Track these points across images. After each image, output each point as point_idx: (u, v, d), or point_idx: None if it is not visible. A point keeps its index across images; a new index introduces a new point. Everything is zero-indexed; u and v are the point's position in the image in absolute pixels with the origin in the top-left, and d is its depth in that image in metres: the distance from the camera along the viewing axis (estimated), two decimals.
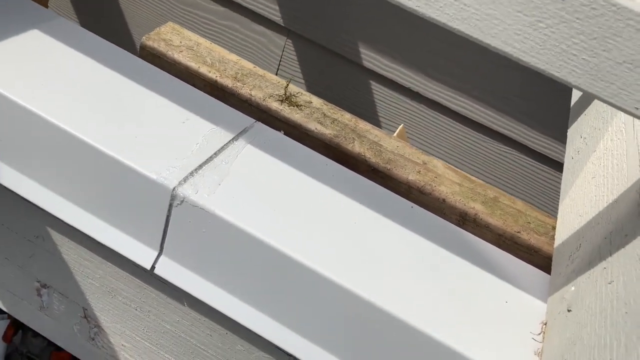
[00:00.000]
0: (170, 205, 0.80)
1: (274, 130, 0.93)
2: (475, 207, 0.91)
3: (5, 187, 0.92)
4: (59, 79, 0.88)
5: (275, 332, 0.83)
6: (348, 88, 1.74)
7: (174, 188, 0.79)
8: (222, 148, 0.86)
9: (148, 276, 0.92)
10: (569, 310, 0.73)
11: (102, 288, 0.97)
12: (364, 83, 1.73)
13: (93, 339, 1.05)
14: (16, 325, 3.96)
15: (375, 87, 1.73)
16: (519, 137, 1.58)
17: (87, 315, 1.02)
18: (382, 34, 1.62)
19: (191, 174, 0.81)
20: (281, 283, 0.79)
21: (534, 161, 1.62)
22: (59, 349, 3.84)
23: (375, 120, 1.76)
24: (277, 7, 1.72)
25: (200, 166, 0.82)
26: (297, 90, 0.99)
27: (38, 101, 0.82)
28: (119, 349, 1.03)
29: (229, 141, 0.88)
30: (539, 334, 0.79)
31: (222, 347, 0.93)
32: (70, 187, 0.85)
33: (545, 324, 0.79)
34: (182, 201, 0.79)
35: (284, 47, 1.76)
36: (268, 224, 0.79)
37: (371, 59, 1.68)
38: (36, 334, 3.81)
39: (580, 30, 0.50)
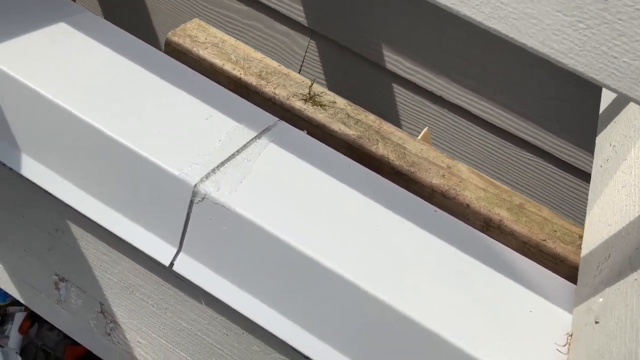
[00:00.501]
0: (191, 202, 0.80)
1: (297, 130, 0.92)
2: (500, 214, 0.89)
3: (26, 179, 0.92)
4: (84, 72, 0.88)
5: (293, 333, 0.82)
6: (370, 90, 1.73)
7: (196, 185, 0.78)
8: (245, 146, 0.85)
9: (166, 273, 0.91)
10: (596, 322, 0.71)
11: (120, 283, 0.97)
12: (386, 85, 1.72)
13: (109, 335, 1.05)
14: (32, 318, 4.01)
15: (398, 89, 1.72)
16: (542, 144, 1.55)
17: (104, 311, 1.02)
18: (405, 36, 1.60)
19: (213, 171, 0.80)
20: (301, 284, 0.78)
21: (557, 169, 1.59)
22: (74, 342, 3.87)
23: (396, 123, 1.74)
24: (301, 8, 1.71)
25: (223, 163, 0.82)
26: (321, 90, 0.98)
27: (61, 93, 0.82)
28: (134, 345, 1.03)
29: (252, 139, 0.87)
30: (564, 345, 0.76)
31: (238, 347, 0.92)
32: (92, 181, 0.85)
33: (571, 335, 0.77)
34: (203, 198, 0.78)
35: (307, 47, 1.75)
36: (289, 224, 0.78)
37: (394, 61, 1.67)
38: (52, 328, 3.85)
39: (622, 32, 0.48)
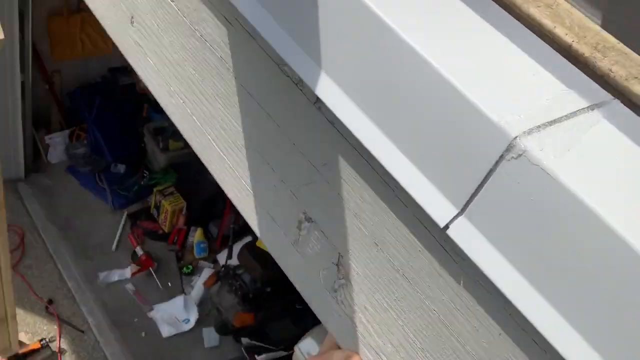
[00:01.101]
0: (501, 157, 0.67)
1: (636, 115, 0.75)
2: None
3: (312, 99, 0.88)
4: (420, 7, 0.81)
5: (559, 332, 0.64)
6: None
7: (516, 137, 0.65)
8: (574, 113, 0.71)
9: (428, 238, 0.80)
10: None
11: (370, 237, 0.88)
12: None
13: (335, 291, 0.97)
14: (218, 276, 4.24)
15: None
16: None
17: (340, 263, 0.94)
18: None
19: (538, 128, 0.67)
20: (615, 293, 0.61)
21: None
22: (245, 310, 3.99)
23: None
24: None
25: (549, 124, 0.68)
26: None
27: (393, 15, 0.76)
28: (359, 310, 0.93)
29: (582, 109, 0.72)
30: None
31: (487, 349, 0.76)
32: (388, 113, 0.77)
33: None
34: (519, 155, 0.65)
35: None
36: (622, 213, 0.61)
37: None
38: (230, 290, 4.00)
39: None
